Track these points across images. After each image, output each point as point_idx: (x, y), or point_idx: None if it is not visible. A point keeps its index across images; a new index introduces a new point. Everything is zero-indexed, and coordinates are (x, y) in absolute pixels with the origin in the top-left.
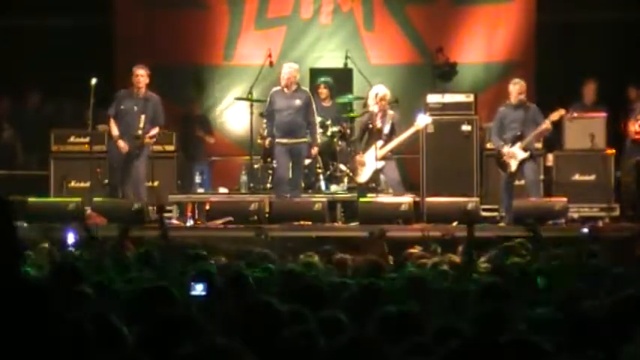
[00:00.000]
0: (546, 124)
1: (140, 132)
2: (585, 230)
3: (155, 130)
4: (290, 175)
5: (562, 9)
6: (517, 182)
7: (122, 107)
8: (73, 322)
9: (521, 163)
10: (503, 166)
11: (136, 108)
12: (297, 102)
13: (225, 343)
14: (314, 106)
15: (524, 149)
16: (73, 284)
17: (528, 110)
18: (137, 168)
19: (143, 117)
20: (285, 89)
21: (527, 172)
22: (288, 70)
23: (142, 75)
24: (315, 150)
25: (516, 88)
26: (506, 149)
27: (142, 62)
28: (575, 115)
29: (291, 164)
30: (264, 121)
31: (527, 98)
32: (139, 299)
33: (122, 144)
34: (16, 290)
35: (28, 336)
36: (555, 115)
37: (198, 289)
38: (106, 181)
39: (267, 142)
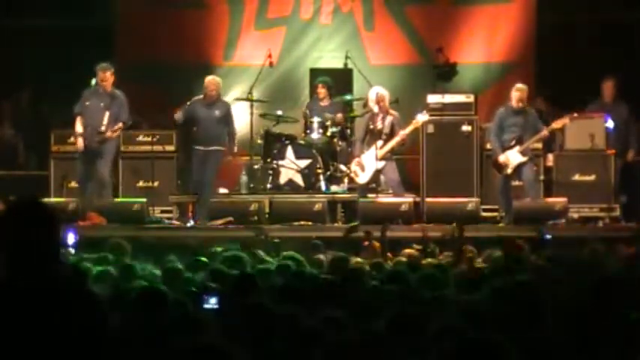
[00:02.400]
0: (544, 133)
1: (103, 128)
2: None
3: (118, 125)
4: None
5: (562, 9)
6: (516, 183)
7: (87, 104)
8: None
9: (519, 166)
10: (500, 167)
11: (101, 104)
12: (217, 112)
13: (218, 342)
14: (233, 116)
15: (522, 153)
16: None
17: (528, 116)
18: (100, 167)
19: (107, 114)
20: (205, 99)
21: (526, 174)
22: (208, 80)
23: (106, 80)
24: (230, 157)
25: (517, 95)
26: (503, 153)
27: (104, 62)
28: (576, 115)
29: (204, 168)
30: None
31: (527, 99)
32: (137, 301)
33: (80, 142)
34: (44, 291)
35: (52, 335)
36: (558, 123)
37: (211, 302)
38: None
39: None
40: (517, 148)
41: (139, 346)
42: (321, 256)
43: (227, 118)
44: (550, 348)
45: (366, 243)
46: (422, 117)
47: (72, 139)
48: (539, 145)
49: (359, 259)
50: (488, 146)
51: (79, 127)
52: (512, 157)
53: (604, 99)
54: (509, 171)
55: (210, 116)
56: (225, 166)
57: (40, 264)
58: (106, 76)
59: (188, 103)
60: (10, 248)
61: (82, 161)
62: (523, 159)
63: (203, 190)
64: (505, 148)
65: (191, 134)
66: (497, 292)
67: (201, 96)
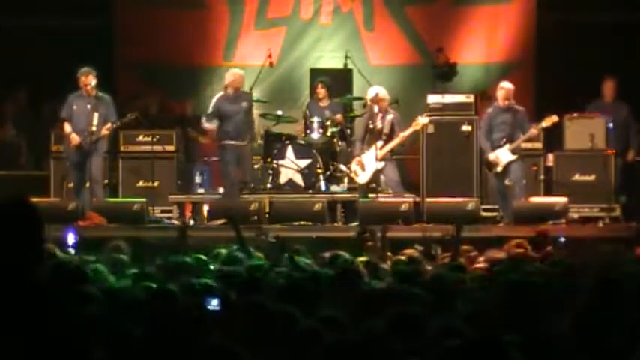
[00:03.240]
0: (532, 132)
1: (94, 129)
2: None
3: (108, 125)
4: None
5: (562, 9)
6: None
7: (75, 107)
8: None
9: (509, 164)
10: (490, 166)
11: (89, 106)
12: (244, 104)
13: (225, 343)
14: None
15: (512, 152)
16: (77, 285)
17: (516, 114)
18: (92, 166)
19: (96, 115)
20: (228, 93)
21: (514, 173)
22: (235, 74)
23: (90, 84)
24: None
25: (502, 94)
26: (493, 152)
27: (86, 67)
28: (576, 115)
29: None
30: (204, 121)
31: (526, 98)
32: (145, 300)
33: (75, 137)
34: (26, 292)
35: (33, 336)
36: (547, 121)
37: (213, 304)
38: (106, 181)
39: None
40: (507, 146)
41: (152, 347)
42: (304, 259)
43: (251, 109)
44: (552, 348)
45: (370, 243)
46: (422, 119)
47: (66, 141)
48: (539, 145)
49: (363, 258)
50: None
51: (68, 129)
52: (502, 156)
53: (604, 99)
54: (499, 169)
55: (238, 109)
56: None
57: (23, 264)
58: (88, 80)
59: (213, 103)
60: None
61: (74, 165)
62: (513, 157)
63: (238, 187)
64: (495, 147)
65: (219, 131)
66: (501, 290)
67: (222, 92)
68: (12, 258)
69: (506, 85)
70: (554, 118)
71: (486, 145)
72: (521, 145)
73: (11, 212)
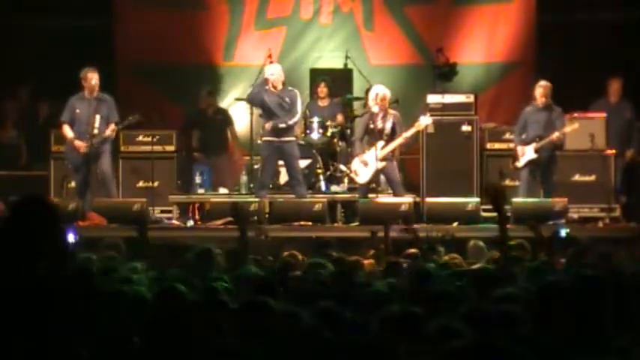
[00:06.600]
0: (552, 137)
1: (96, 131)
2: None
3: (112, 127)
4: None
5: (562, 9)
6: (515, 183)
7: (78, 111)
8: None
9: (530, 162)
10: (515, 159)
11: (91, 109)
12: (287, 99)
13: (239, 343)
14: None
15: (536, 151)
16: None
17: (552, 113)
18: (101, 167)
19: (98, 117)
20: (273, 89)
21: (523, 173)
22: (276, 69)
23: (96, 79)
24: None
25: (540, 92)
26: (520, 147)
27: (91, 66)
28: (576, 115)
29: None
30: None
31: (527, 98)
32: (152, 299)
33: (79, 143)
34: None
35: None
36: (568, 127)
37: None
38: None
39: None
40: (533, 145)
41: (159, 347)
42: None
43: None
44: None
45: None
46: (425, 120)
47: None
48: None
49: (369, 261)
50: (488, 146)
51: (70, 133)
52: (527, 153)
53: (608, 98)
54: (519, 165)
55: (281, 105)
56: (224, 166)
57: (44, 261)
58: (94, 78)
59: (253, 85)
60: (16, 247)
61: (75, 168)
62: (533, 156)
63: (294, 187)
64: (526, 144)
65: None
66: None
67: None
68: (27, 254)
69: (543, 83)
70: (575, 125)
71: (516, 140)
72: (551, 146)
73: (28, 209)
